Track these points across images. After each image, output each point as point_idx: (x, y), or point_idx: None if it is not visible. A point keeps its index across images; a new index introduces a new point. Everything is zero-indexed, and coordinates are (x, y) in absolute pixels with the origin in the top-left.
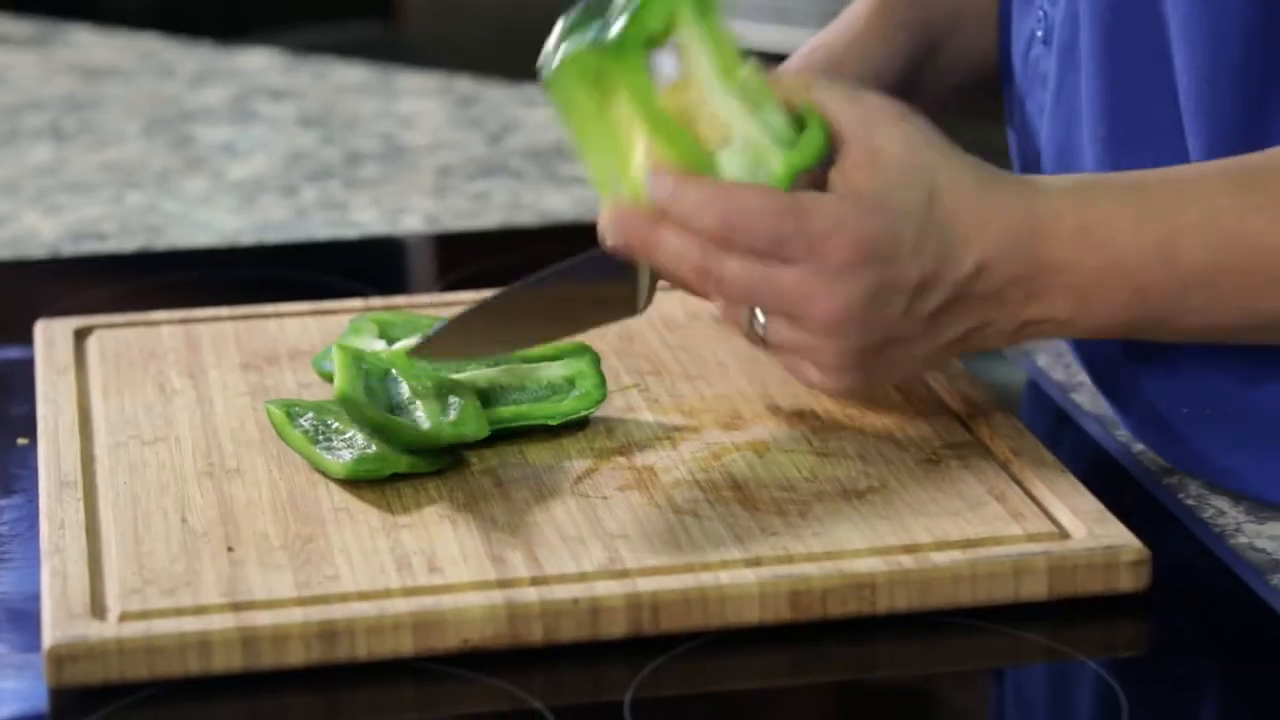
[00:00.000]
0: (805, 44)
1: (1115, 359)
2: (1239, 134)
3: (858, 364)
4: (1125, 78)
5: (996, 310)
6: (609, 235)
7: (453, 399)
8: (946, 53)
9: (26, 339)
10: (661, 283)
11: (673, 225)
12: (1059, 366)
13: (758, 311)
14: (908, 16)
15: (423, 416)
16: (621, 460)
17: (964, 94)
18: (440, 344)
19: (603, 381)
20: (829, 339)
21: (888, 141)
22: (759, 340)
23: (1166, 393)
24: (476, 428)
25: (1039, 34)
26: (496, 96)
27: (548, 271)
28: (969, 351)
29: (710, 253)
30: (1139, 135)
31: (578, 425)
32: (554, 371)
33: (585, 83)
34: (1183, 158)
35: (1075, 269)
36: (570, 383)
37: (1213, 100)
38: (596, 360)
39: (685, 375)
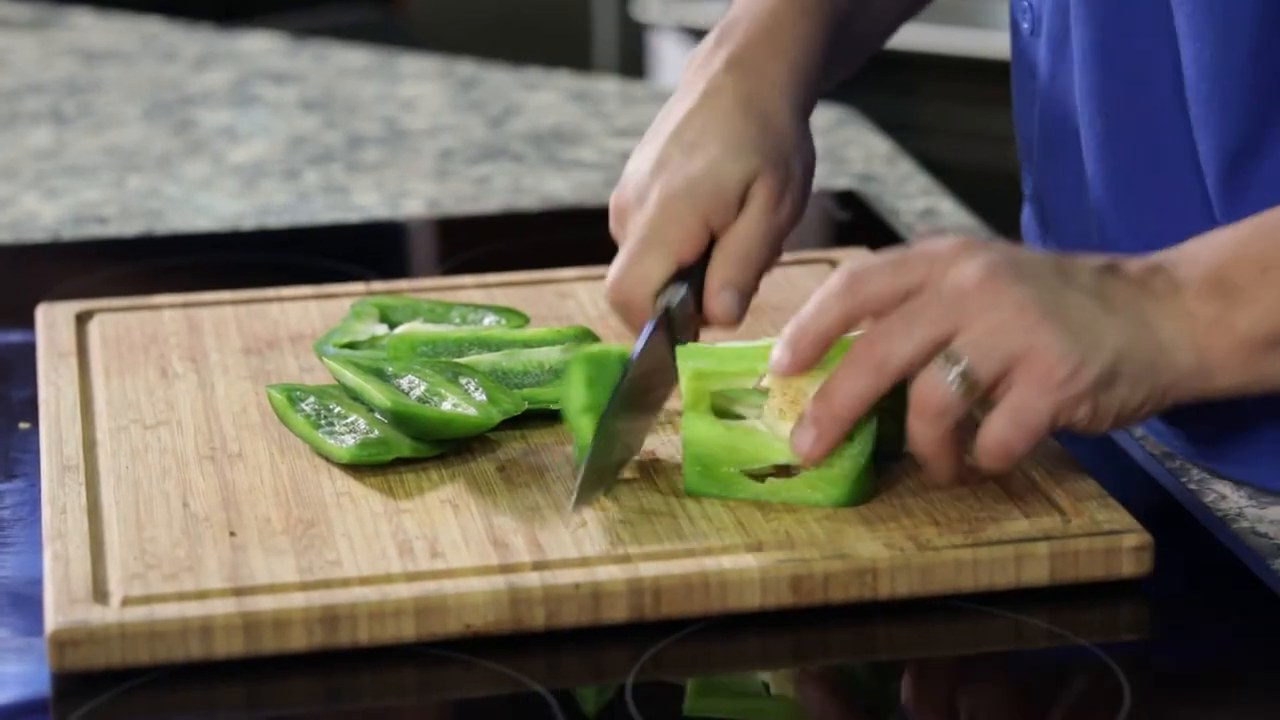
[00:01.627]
0: (711, 34)
1: None
2: (1249, 128)
3: (1061, 323)
4: (1120, 71)
5: (1172, 307)
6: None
7: (465, 380)
8: (857, 25)
9: (28, 323)
10: None
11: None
12: None
13: (951, 363)
14: None
15: (455, 403)
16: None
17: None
18: (589, 490)
19: None
20: (1010, 304)
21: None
22: (970, 400)
23: None
24: (514, 403)
25: (1025, 26)
26: (498, 80)
27: (626, 380)
28: (1160, 353)
29: (865, 333)
30: (1135, 128)
31: None
32: (555, 355)
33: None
34: (1179, 150)
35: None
36: None
37: (1223, 95)
38: (597, 344)
39: None
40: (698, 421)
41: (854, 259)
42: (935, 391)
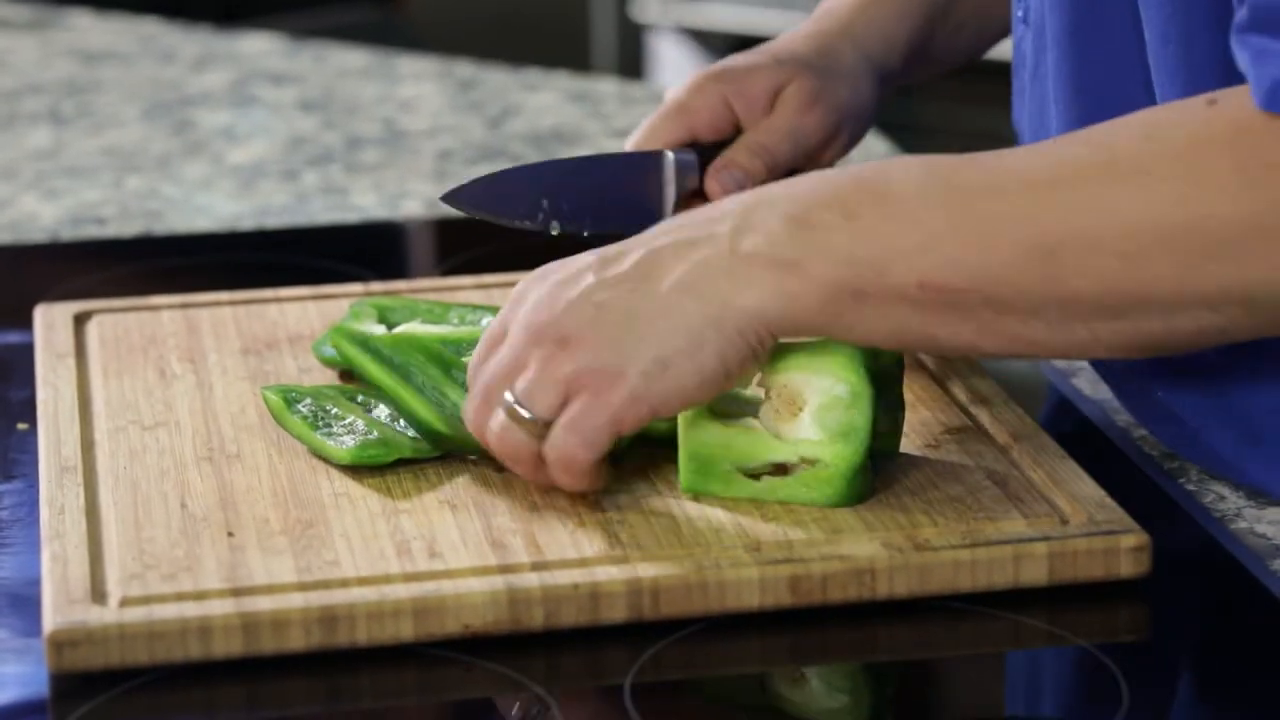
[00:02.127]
0: (820, 5)
1: None
2: None
3: (597, 341)
4: (1093, 58)
5: (708, 248)
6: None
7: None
8: (959, 14)
9: (26, 323)
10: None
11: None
12: None
13: (512, 400)
14: None
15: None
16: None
17: (976, 57)
18: (470, 193)
19: None
20: (551, 340)
21: None
22: (538, 434)
23: (1169, 384)
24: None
25: (1020, 13)
26: (496, 80)
27: (584, 156)
28: (718, 309)
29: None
30: (1107, 115)
31: None
32: None
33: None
34: None
35: (782, 197)
36: None
37: (1187, 75)
38: None
39: None
40: (695, 420)
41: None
42: (506, 432)
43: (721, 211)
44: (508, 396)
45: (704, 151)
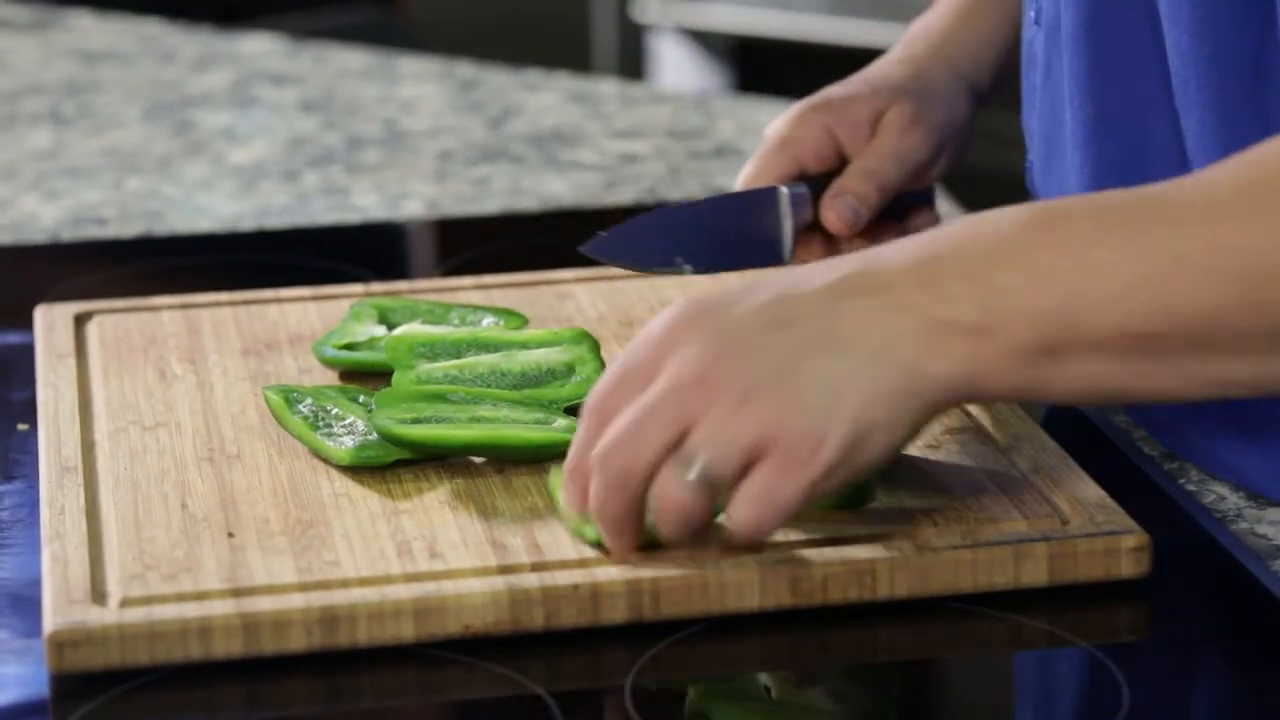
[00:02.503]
0: (908, 31)
1: None
2: (1234, 117)
3: (790, 405)
4: (1110, 57)
5: (897, 310)
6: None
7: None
8: None
9: (27, 324)
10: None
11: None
12: None
13: (688, 463)
14: (1007, 7)
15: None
16: None
17: None
18: (608, 245)
19: (602, 366)
20: (733, 396)
21: None
22: (710, 498)
23: None
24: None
25: (1032, 14)
26: (497, 81)
27: (705, 199)
28: (912, 378)
29: (599, 448)
30: (1125, 115)
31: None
32: (553, 357)
33: None
34: (1169, 137)
35: (960, 254)
36: (570, 368)
37: (1205, 81)
38: (595, 346)
39: None
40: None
41: (591, 395)
42: (674, 494)
43: (896, 265)
44: (695, 465)
45: (812, 183)
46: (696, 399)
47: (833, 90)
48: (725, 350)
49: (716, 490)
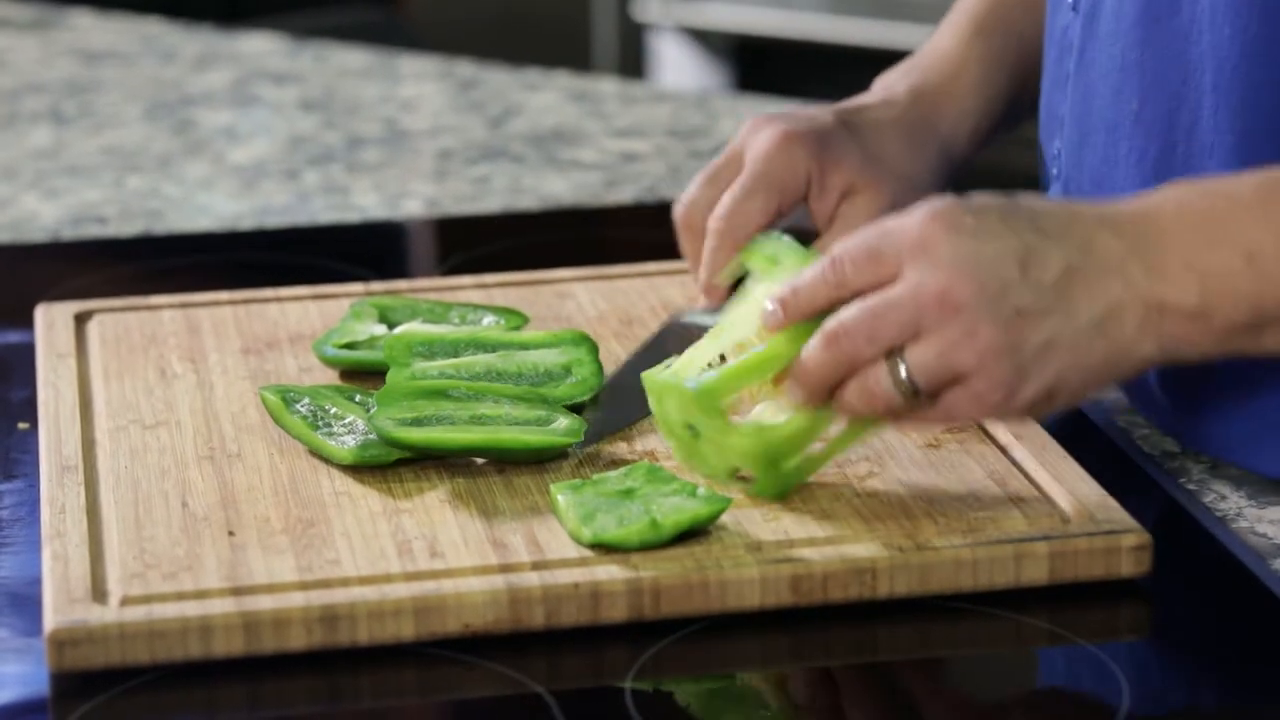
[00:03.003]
0: (896, 83)
1: None
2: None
3: (1008, 351)
4: (1159, 45)
5: (1124, 288)
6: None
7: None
8: (1031, 86)
9: (27, 323)
10: (672, 265)
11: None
12: None
13: (900, 369)
14: (1003, 45)
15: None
16: (622, 445)
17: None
18: (602, 427)
19: (600, 369)
20: (962, 325)
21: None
22: (912, 402)
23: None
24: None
25: (1069, 1)
26: (497, 80)
27: (640, 350)
28: (1119, 354)
29: (834, 324)
30: (1169, 106)
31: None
32: (551, 358)
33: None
34: (1212, 131)
35: (1183, 240)
36: (567, 370)
37: (1261, 76)
38: (594, 349)
39: None
40: (747, 430)
41: (844, 240)
42: (882, 385)
43: (1124, 243)
44: (901, 369)
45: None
46: (931, 316)
47: (818, 122)
48: (969, 278)
49: (913, 398)
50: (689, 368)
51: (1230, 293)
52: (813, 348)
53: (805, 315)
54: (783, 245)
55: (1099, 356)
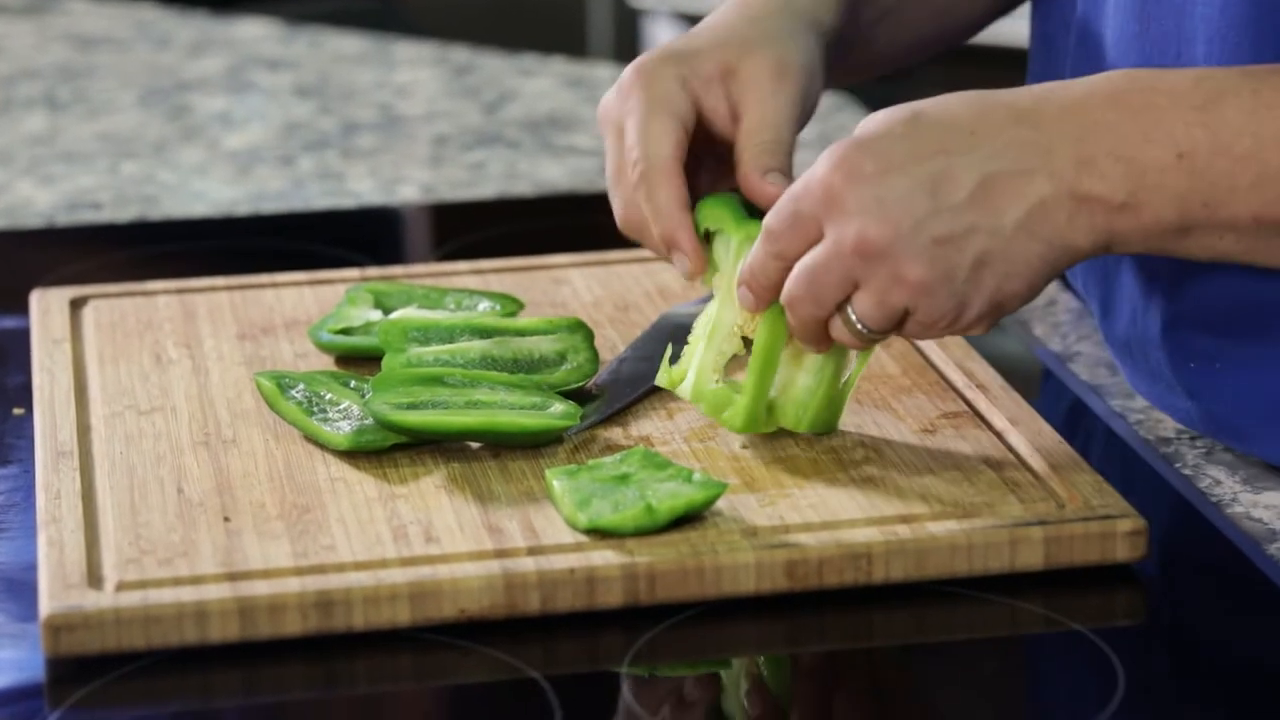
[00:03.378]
0: None
1: (1135, 312)
2: None
3: (941, 281)
4: (1156, 17)
5: (1049, 184)
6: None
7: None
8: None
9: (22, 309)
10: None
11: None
12: (1055, 337)
13: (852, 318)
14: None
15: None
16: (618, 431)
17: (921, 52)
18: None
19: (595, 356)
20: (888, 269)
21: (873, 115)
22: (879, 338)
23: (1183, 346)
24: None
25: None
26: (493, 66)
27: (637, 342)
28: (1053, 251)
29: (784, 294)
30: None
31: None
32: (546, 345)
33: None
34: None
35: (1115, 131)
36: (562, 356)
37: (1254, 47)
38: (589, 335)
39: None
40: (761, 379)
41: (770, 219)
42: (846, 335)
43: (1052, 132)
44: (851, 315)
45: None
46: (858, 267)
47: (674, 43)
48: (881, 222)
49: (875, 333)
50: (702, 377)
51: (1159, 188)
52: (789, 312)
53: (772, 292)
54: (723, 206)
55: (1035, 256)
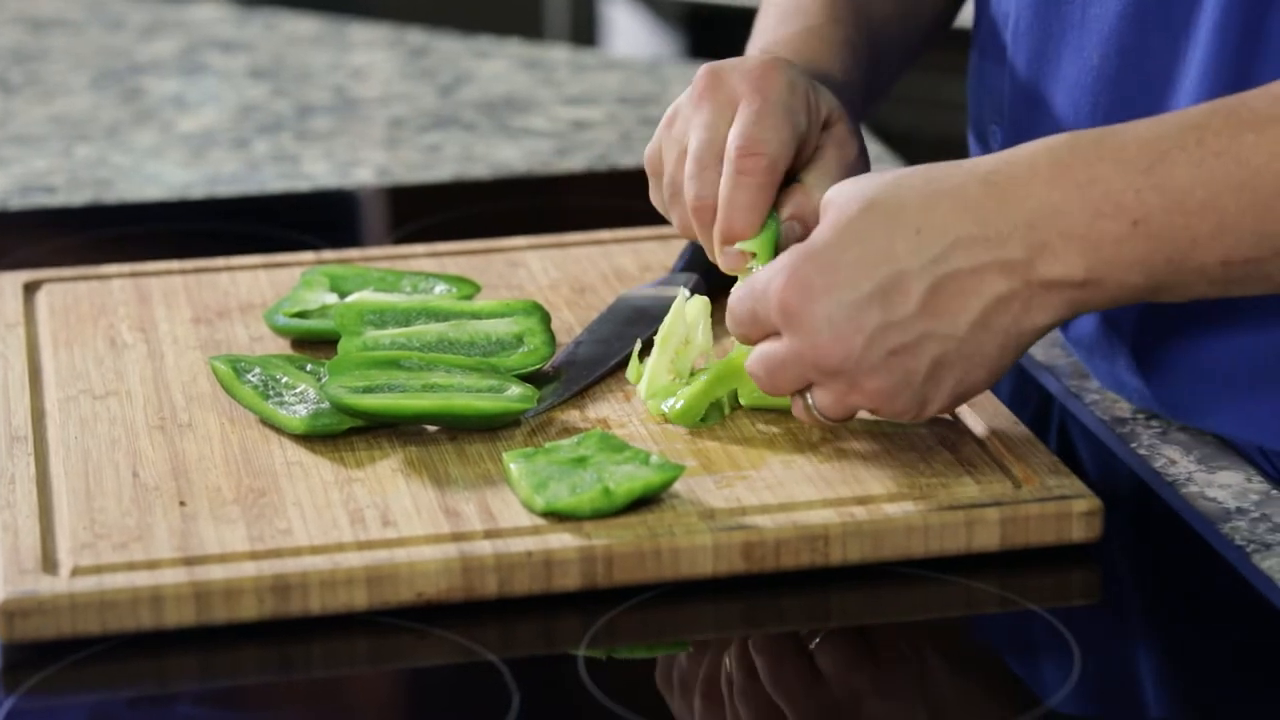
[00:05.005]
0: (762, 47)
1: None
2: (1260, 56)
3: (900, 387)
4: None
5: (1002, 279)
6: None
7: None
8: (883, 75)
9: None
10: (624, 232)
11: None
12: None
13: (810, 405)
14: (857, 36)
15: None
16: (575, 413)
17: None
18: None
19: (551, 339)
20: (845, 380)
21: (831, 195)
22: (822, 418)
23: (1144, 332)
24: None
25: None
26: (448, 48)
27: (593, 324)
28: (1012, 339)
29: (748, 366)
30: (1152, 60)
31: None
32: (502, 328)
33: None
34: (1191, 83)
35: (1065, 211)
36: (519, 339)
37: (1243, 23)
38: (546, 318)
39: None
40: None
41: (732, 294)
42: (801, 414)
43: (995, 229)
44: (811, 405)
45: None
46: (814, 375)
47: (793, 65)
48: (834, 341)
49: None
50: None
51: (1118, 259)
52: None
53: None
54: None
55: (994, 348)
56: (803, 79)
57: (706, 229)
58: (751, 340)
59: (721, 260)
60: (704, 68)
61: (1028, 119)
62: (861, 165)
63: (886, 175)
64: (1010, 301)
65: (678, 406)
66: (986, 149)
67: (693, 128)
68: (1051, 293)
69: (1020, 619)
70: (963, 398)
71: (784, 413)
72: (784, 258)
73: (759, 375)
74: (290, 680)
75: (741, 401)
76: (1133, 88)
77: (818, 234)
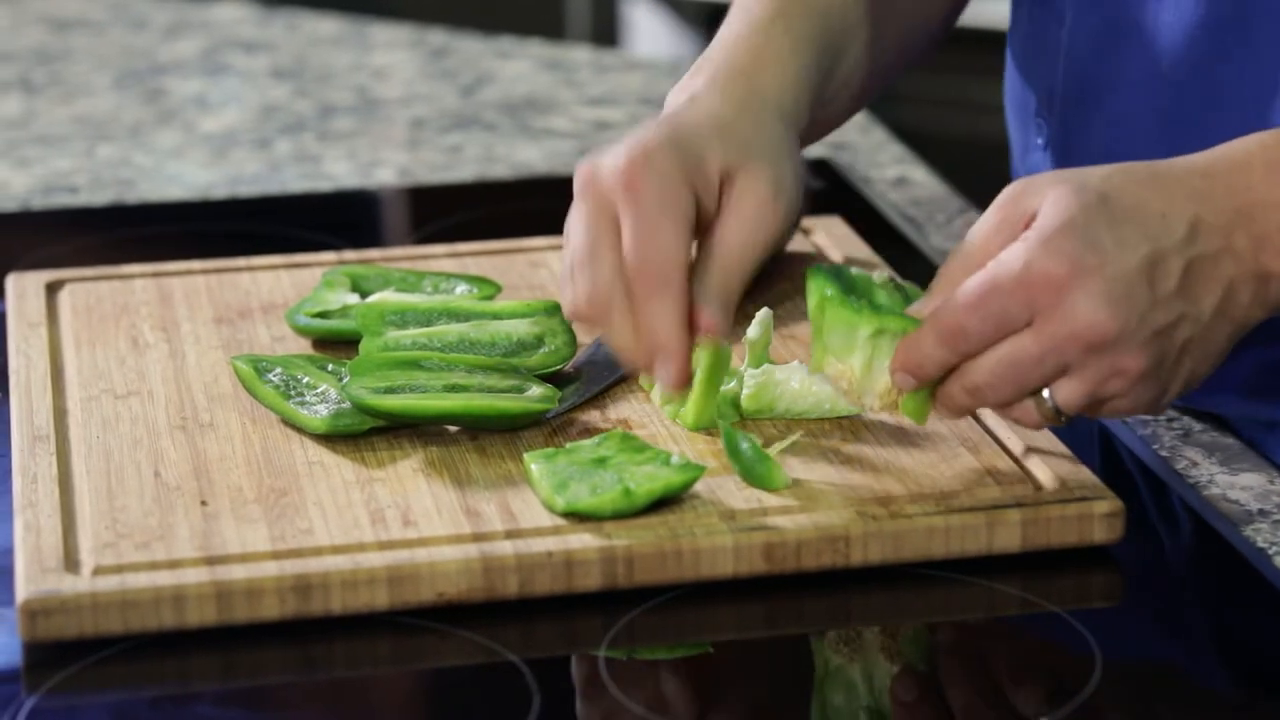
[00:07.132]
0: (686, 86)
1: None
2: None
3: (1153, 372)
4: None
5: (1234, 265)
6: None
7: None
8: (845, 64)
9: None
10: None
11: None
12: None
13: (1048, 402)
14: (807, 28)
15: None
16: (596, 413)
17: (861, 103)
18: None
19: (572, 339)
20: (1109, 361)
21: (1038, 195)
22: (1052, 421)
23: None
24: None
25: None
26: (470, 49)
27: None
28: (1237, 328)
29: (975, 380)
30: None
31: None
32: (523, 328)
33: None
34: (1251, 83)
35: (1269, 201)
36: (540, 340)
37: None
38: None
39: None
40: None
41: (950, 292)
42: (1032, 415)
43: (1223, 218)
44: (1049, 401)
45: None
46: (1076, 359)
47: (649, 138)
48: (1110, 317)
49: (1062, 415)
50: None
51: None
52: (953, 397)
53: (930, 381)
54: (861, 281)
55: (1225, 337)
56: (678, 152)
57: (594, 327)
58: (974, 353)
59: (661, 375)
60: (579, 166)
61: (1077, 117)
62: (785, 194)
63: (1092, 171)
64: (1241, 290)
65: (689, 417)
66: (1030, 142)
67: (570, 230)
68: (1270, 285)
69: (1041, 620)
70: (1188, 388)
71: (795, 418)
72: (1019, 249)
73: (997, 383)
74: (311, 680)
75: (743, 408)
76: (1197, 98)
77: (1049, 223)
